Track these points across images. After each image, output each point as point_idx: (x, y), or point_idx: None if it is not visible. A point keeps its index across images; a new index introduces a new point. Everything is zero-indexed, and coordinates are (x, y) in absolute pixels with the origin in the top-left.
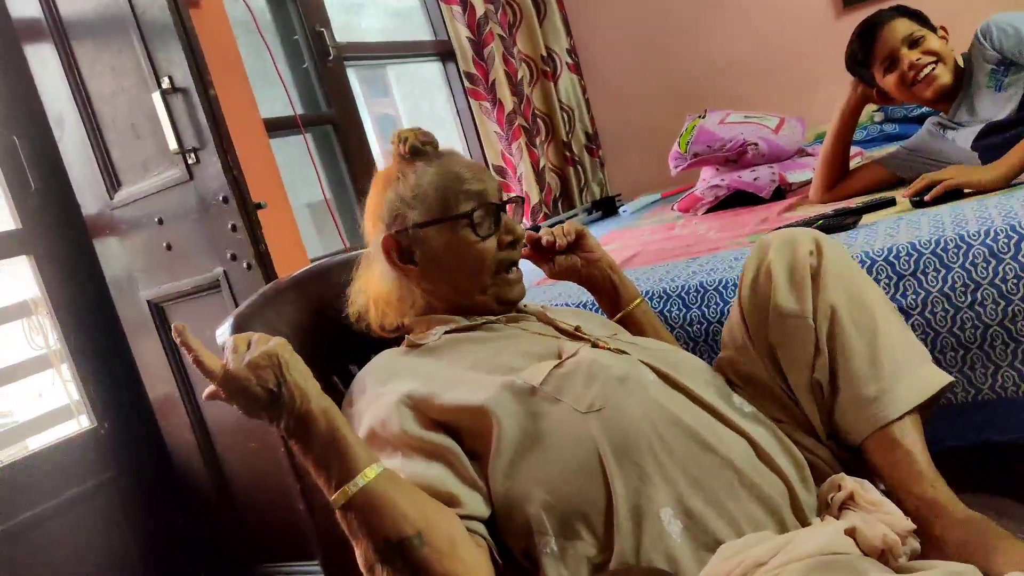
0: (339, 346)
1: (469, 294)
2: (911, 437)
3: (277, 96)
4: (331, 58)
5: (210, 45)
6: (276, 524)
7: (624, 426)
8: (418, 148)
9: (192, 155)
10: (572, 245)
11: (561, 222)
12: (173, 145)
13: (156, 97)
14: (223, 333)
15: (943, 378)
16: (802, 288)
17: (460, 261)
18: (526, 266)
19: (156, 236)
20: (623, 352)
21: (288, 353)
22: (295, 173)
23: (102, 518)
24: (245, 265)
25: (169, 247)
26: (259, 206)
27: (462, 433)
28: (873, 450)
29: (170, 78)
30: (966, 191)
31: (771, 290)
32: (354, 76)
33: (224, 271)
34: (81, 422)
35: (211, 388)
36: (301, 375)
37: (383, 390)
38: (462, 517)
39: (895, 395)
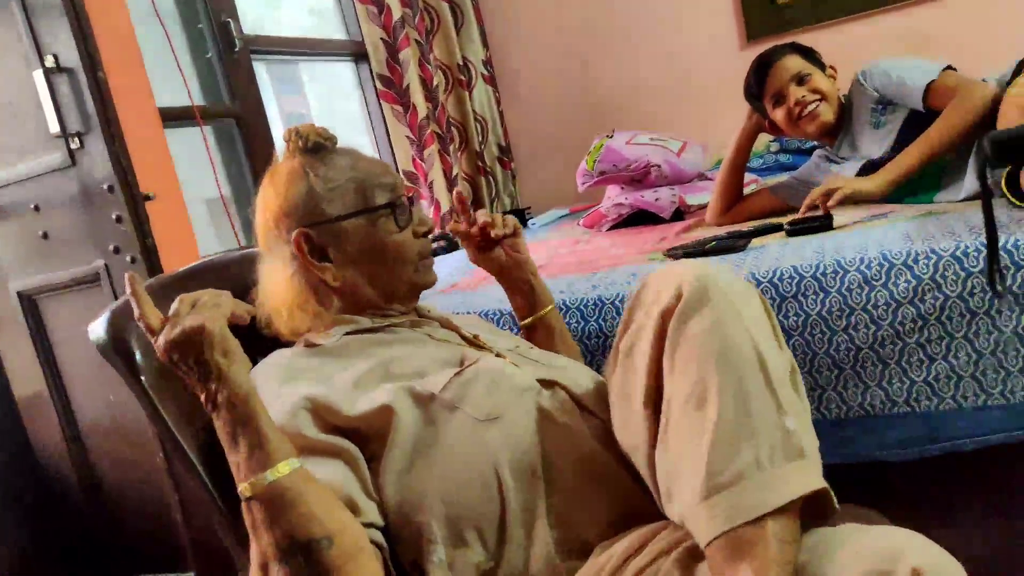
0: None
1: (388, 287)
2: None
3: (179, 87)
4: (237, 50)
5: (102, 25)
6: (151, 534)
7: (520, 436)
8: (320, 143)
9: (76, 139)
10: (502, 239)
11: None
12: (55, 128)
13: (38, 75)
14: (96, 330)
15: (768, 499)
16: (634, 372)
17: (382, 253)
18: (441, 269)
19: (31, 224)
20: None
21: (218, 328)
22: (195, 167)
23: None
24: (129, 259)
25: (46, 236)
26: (147, 197)
27: (362, 438)
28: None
29: (55, 56)
30: (834, 225)
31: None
32: (265, 71)
33: (106, 264)
34: None
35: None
36: (225, 355)
37: (282, 391)
38: (363, 524)
39: (707, 515)
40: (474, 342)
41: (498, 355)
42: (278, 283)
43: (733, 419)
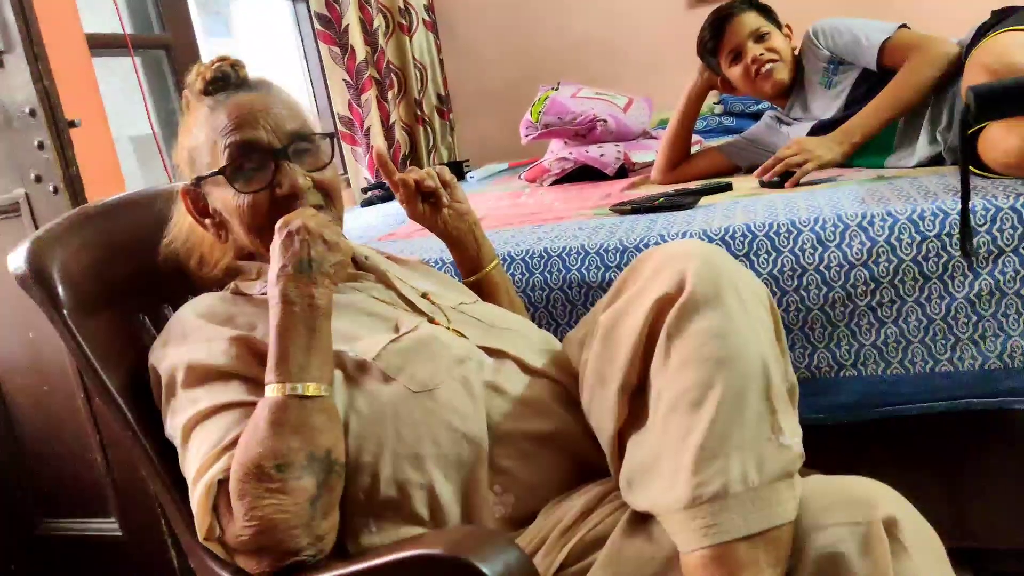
0: (153, 283)
1: (259, 255)
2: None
3: (106, 15)
4: None
5: None
6: (68, 476)
7: (457, 408)
8: (207, 87)
9: None
10: (440, 193)
11: None
12: None
13: None
14: (15, 260)
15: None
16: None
17: (237, 218)
18: (379, 217)
19: None
20: (462, 335)
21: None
22: (122, 102)
23: None
24: (51, 188)
25: None
26: (72, 124)
27: None
28: None
29: None
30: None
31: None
32: (194, 8)
33: (26, 193)
34: None
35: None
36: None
37: (221, 330)
38: None
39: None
40: (414, 305)
41: (432, 321)
42: (192, 223)
43: (726, 427)
